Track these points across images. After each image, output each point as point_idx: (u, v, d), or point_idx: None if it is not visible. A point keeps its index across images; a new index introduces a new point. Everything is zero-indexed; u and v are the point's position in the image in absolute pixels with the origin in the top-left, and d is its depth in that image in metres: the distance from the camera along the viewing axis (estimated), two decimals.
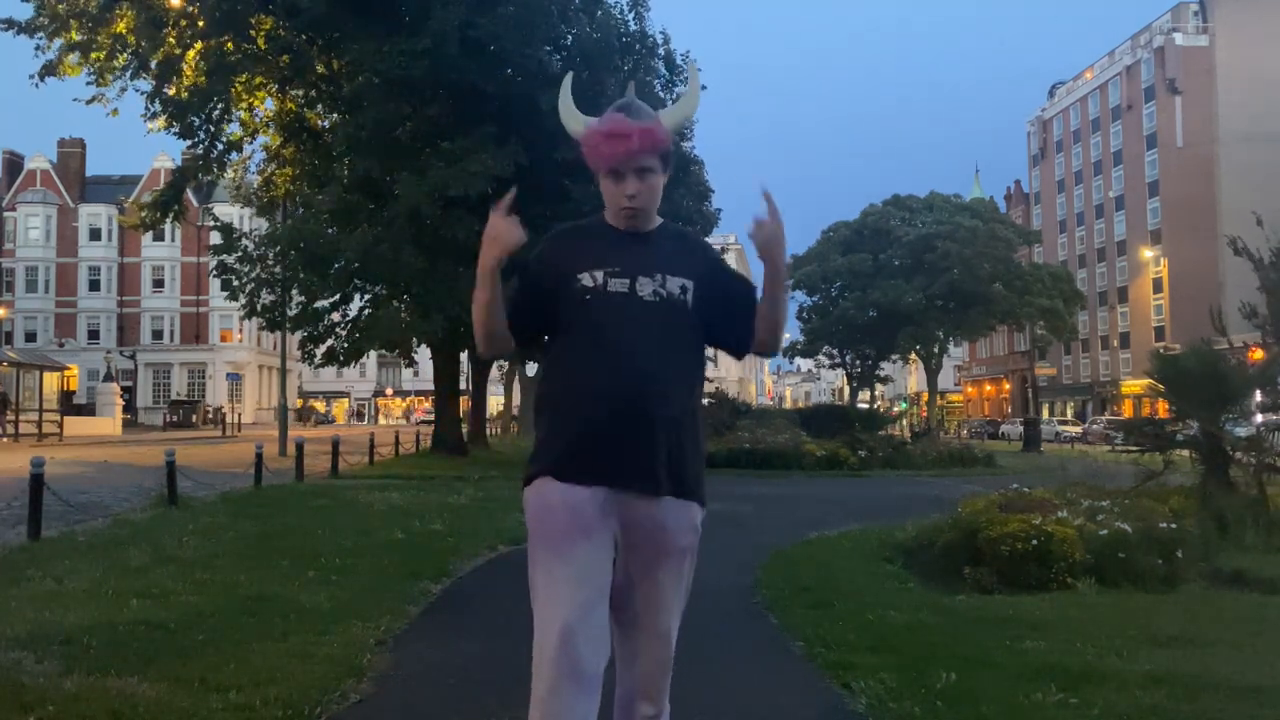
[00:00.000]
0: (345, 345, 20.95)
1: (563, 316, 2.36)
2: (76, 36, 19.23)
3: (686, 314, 2.35)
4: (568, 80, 2.65)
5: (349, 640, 4.61)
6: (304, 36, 19.22)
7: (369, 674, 4.19)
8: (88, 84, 19.81)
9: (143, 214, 21.92)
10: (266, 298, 20.53)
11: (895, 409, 66.55)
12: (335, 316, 21.59)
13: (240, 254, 20.31)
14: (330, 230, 18.47)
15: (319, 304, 21.13)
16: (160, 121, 19.67)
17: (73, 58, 19.39)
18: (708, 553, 7.91)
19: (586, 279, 2.34)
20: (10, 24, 19.17)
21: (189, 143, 20.48)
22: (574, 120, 2.54)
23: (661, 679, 2.46)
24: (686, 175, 22.29)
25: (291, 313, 20.70)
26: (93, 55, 19.36)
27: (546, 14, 17.88)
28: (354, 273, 19.97)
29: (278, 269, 19.99)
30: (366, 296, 21.77)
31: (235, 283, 20.41)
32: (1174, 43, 63.37)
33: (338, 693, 3.86)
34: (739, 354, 2.52)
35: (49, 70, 19.35)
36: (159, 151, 58.54)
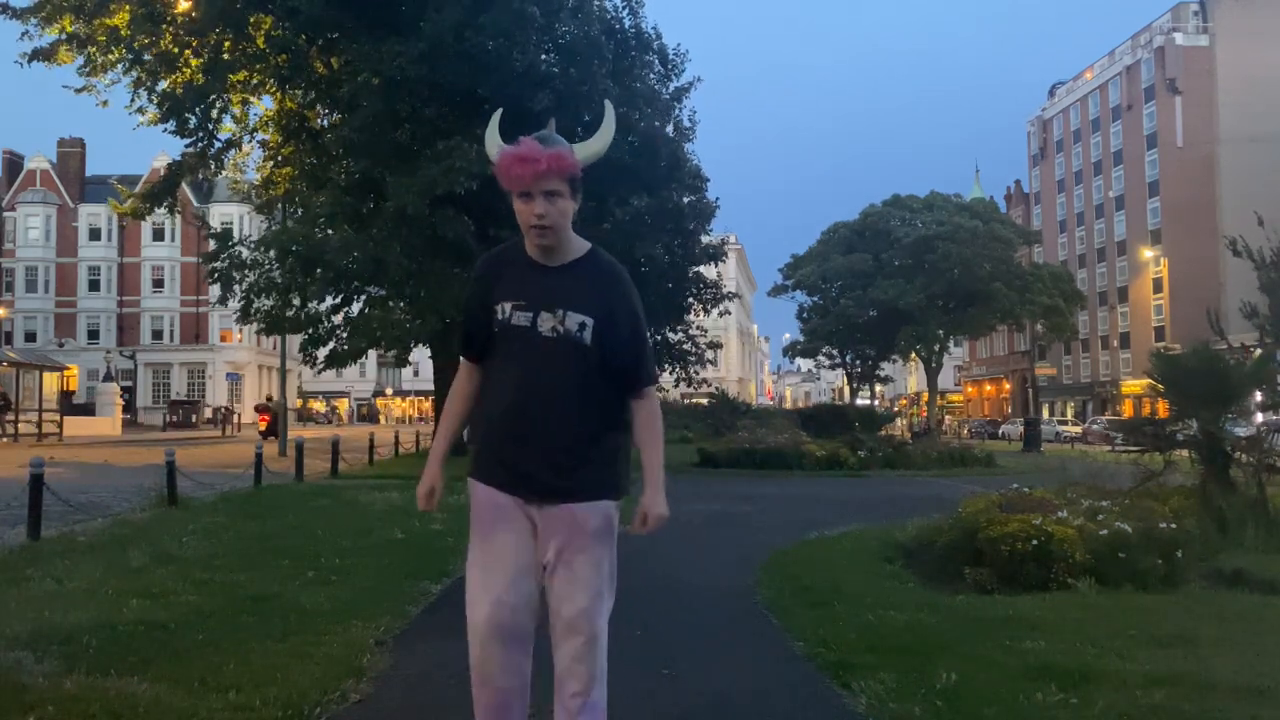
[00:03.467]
0: (342, 345, 20.95)
1: (489, 342, 2.69)
2: (71, 28, 19.19)
3: (583, 349, 2.57)
4: (496, 115, 2.85)
5: (348, 640, 4.61)
6: (303, 36, 19.22)
7: (369, 674, 4.19)
8: (79, 73, 19.75)
9: (135, 203, 21.86)
10: (264, 303, 20.51)
11: (899, 404, 66.75)
12: (336, 319, 21.58)
13: (229, 259, 20.24)
14: (322, 234, 18.46)
15: (318, 307, 21.12)
16: (151, 115, 19.62)
17: (67, 49, 19.32)
18: (708, 552, 7.84)
19: (499, 311, 2.62)
20: (5, 9, 19.13)
21: (188, 141, 20.47)
22: (493, 147, 2.69)
23: (581, 663, 2.61)
24: (680, 170, 22.26)
25: (288, 314, 20.68)
26: (89, 50, 19.31)
27: (532, 18, 17.87)
28: (343, 274, 19.98)
29: (275, 273, 19.97)
30: (363, 298, 21.76)
31: (234, 285, 20.39)
32: (1174, 43, 63.37)
33: (337, 693, 3.86)
34: (627, 389, 2.68)
35: (39, 55, 19.29)
36: (159, 150, 58.66)
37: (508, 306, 2.60)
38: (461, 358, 2.80)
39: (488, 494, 2.66)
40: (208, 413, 52.11)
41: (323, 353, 21.27)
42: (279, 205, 22.24)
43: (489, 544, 2.63)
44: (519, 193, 2.54)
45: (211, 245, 20.81)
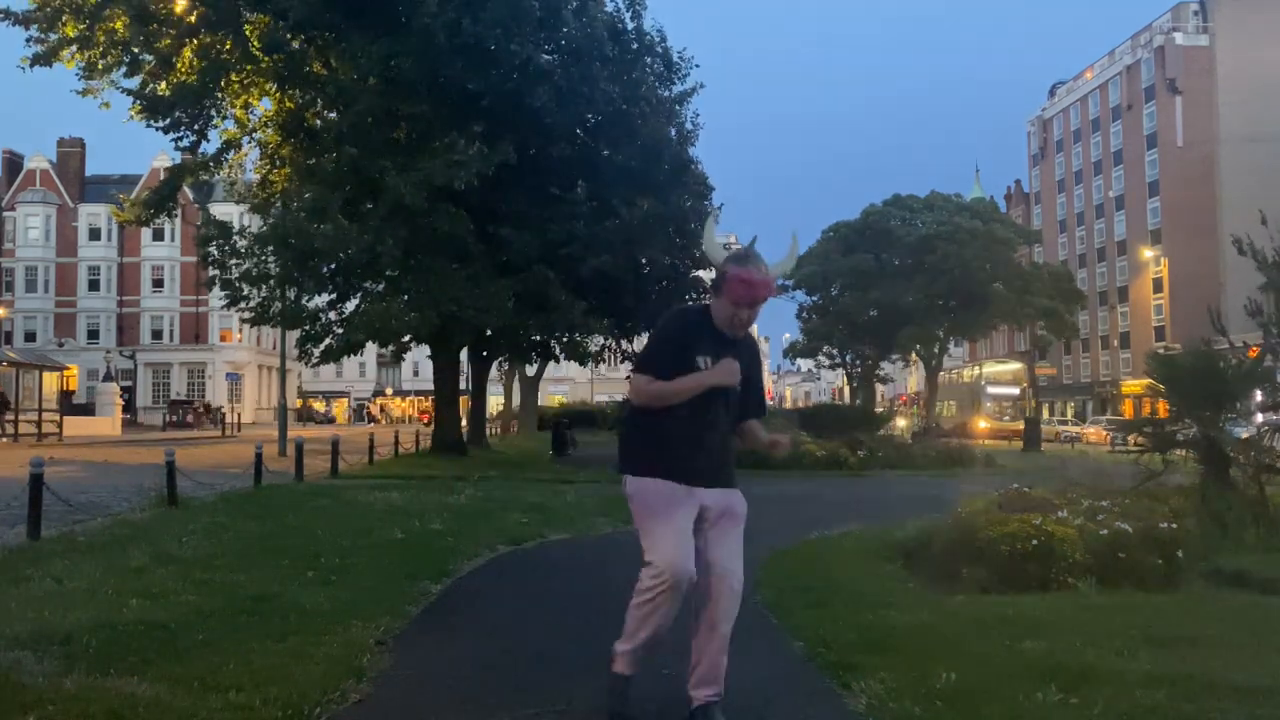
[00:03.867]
0: (338, 340, 20.92)
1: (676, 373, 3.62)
2: (72, 32, 19.21)
3: (739, 391, 3.70)
4: (712, 218, 4.24)
5: (348, 640, 4.62)
6: (301, 36, 19.22)
7: (369, 674, 4.19)
8: (79, 77, 19.79)
9: (137, 210, 21.89)
10: (256, 294, 20.48)
11: (899, 404, 66.76)
12: (331, 315, 21.55)
13: (222, 245, 20.24)
14: (318, 227, 18.48)
15: (313, 302, 21.09)
16: (137, 112, 19.64)
17: (68, 52, 19.35)
18: None
19: (699, 361, 3.61)
20: (7, 14, 19.15)
21: (172, 138, 20.46)
22: (716, 251, 3.89)
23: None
24: (685, 175, 22.27)
25: (278, 309, 20.65)
26: (92, 53, 19.34)
27: (528, 10, 17.84)
28: (339, 267, 19.95)
29: (271, 265, 19.95)
30: (360, 295, 21.73)
31: (218, 272, 20.39)
32: (1174, 42, 63.36)
33: (337, 693, 3.86)
34: (750, 416, 3.89)
35: (40, 60, 19.32)
36: (159, 151, 58.61)
37: (707, 360, 3.59)
38: (649, 375, 3.66)
39: (667, 487, 3.59)
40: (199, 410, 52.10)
41: (318, 350, 21.25)
42: (276, 204, 22.24)
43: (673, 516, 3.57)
44: (733, 302, 3.58)
45: (207, 231, 20.79)
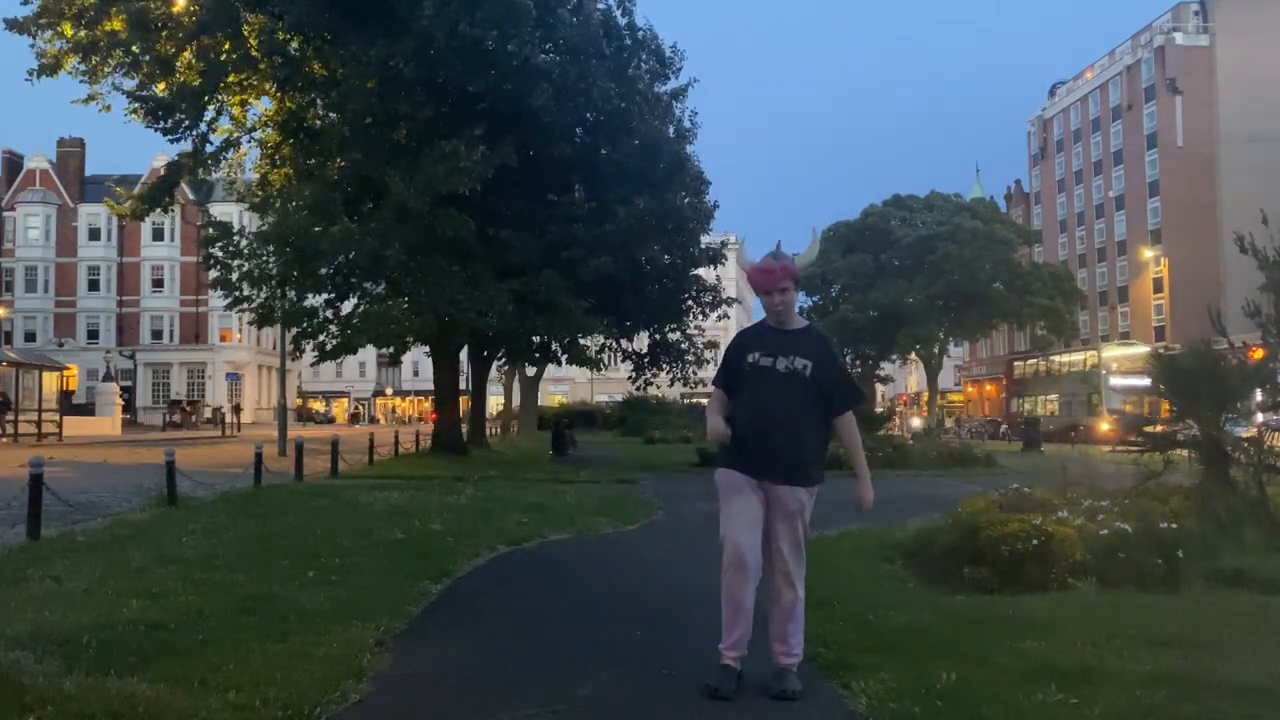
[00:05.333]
0: (335, 340, 20.91)
1: (739, 379, 4.15)
2: (72, 34, 19.21)
3: (805, 381, 4.03)
4: (741, 245, 4.77)
5: (348, 640, 4.61)
6: (300, 37, 19.22)
7: (368, 674, 4.19)
8: (81, 81, 19.80)
9: (133, 204, 21.88)
10: (257, 294, 20.49)
11: (899, 403, 66.41)
12: (328, 314, 21.55)
13: (225, 246, 20.26)
14: (321, 228, 18.51)
15: (312, 302, 21.09)
16: (139, 115, 19.67)
17: (73, 61, 19.38)
18: (708, 552, 7.84)
19: (751, 358, 4.10)
20: (10, 24, 19.17)
21: (173, 139, 20.48)
22: (744, 263, 4.40)
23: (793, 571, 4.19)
24: (683, 172, 22.26)
25: (280, 310, 20.66)
26: (92, 59, 19.35)
27: (525, 10, 17.84)
28: (340, 269, 19.95)
29: (271, 265, 19.96)
30: (360, 295, 21.74)
31: (221, 272, 20.40)
32: (1174, 42, 63.34)
33: (337, 693, 3.86)
34: (834, 414, 4.22)
35: (45, 70, 19.33)
36: (158, 151, 58.60)
37: (758, 355, 4.08)
38: (717, 388, 4.28)
39: (734, 475, 4.09)
40: (207, 412, 52.11)
41: (310, 346, 21.23)
42: (275, 204, 22.24)
43: (735, 502, 4.07)
44: (763, 291, 4.12)
45: (210, 232, 20.81)
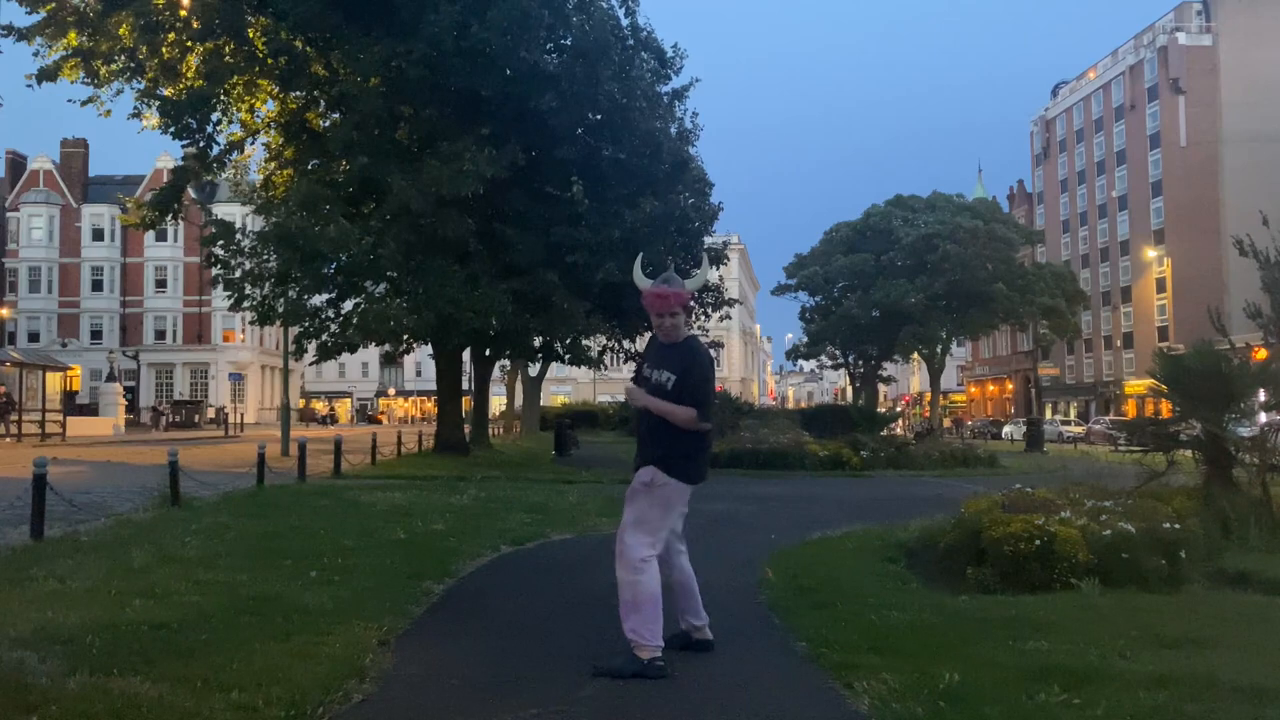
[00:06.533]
0: (335, 339, 20.91)
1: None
2: (76, 42, 19.23)
3: (667, 393, 4.44)
4: (640, 258, 5.14)
5: (351, 640, 4.62)
6: (303, 38, 19.23)
7: (371, 674, 4.19)
8: (84, 83, 19.80)
9: (143, 213, 21.93)
10: (256, 292, 20.50)
11: (901, 404, 66.32)
12: (330, 314, 21.56)
13: (227, 245, 20.27)
14: (321, 227, 18.47)
15: (313, 300, 21.11)
16: (153, 120, 19.68)
17: (73, 65, 19.36)
18: (711, 552, 7.82)
19: (644, 367, 4.65)
20: (10, 30, 19.18)
21: (185, 143, 20.49)
22: (641, 281, 4.69)
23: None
24: (685, 173, 22.24)
25: (281, 309, 20.67)
26: (95, 63, 19.36)
27: (538, 16, 17.85)
28: (340, 267, 19.94)
29: (272, 263, 19.97)
30: (362, 294, 21.75)
31: (223, 271, 20.41)
32: (1177, 42, 63.28)
33: (340, 692, 3.87)
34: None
35: (45, 76, 19.34)
36: (161, 151, 58.69)
37: (645, 366, 4.62)
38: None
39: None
40: (210, 412, 52.15)
41: (312, 346, 21.23)
42: (278, 206, 22.25)
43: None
44: (655, 313, 4.51)
45: (212, 231, 20.82)
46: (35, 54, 19.33)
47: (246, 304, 20.69)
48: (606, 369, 25.43)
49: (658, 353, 4.57)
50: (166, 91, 19.78)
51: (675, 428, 4.39)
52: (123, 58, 19.58)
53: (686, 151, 22.64)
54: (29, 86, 19.33)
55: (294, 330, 21.44)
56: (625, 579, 4.38)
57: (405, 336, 21.18)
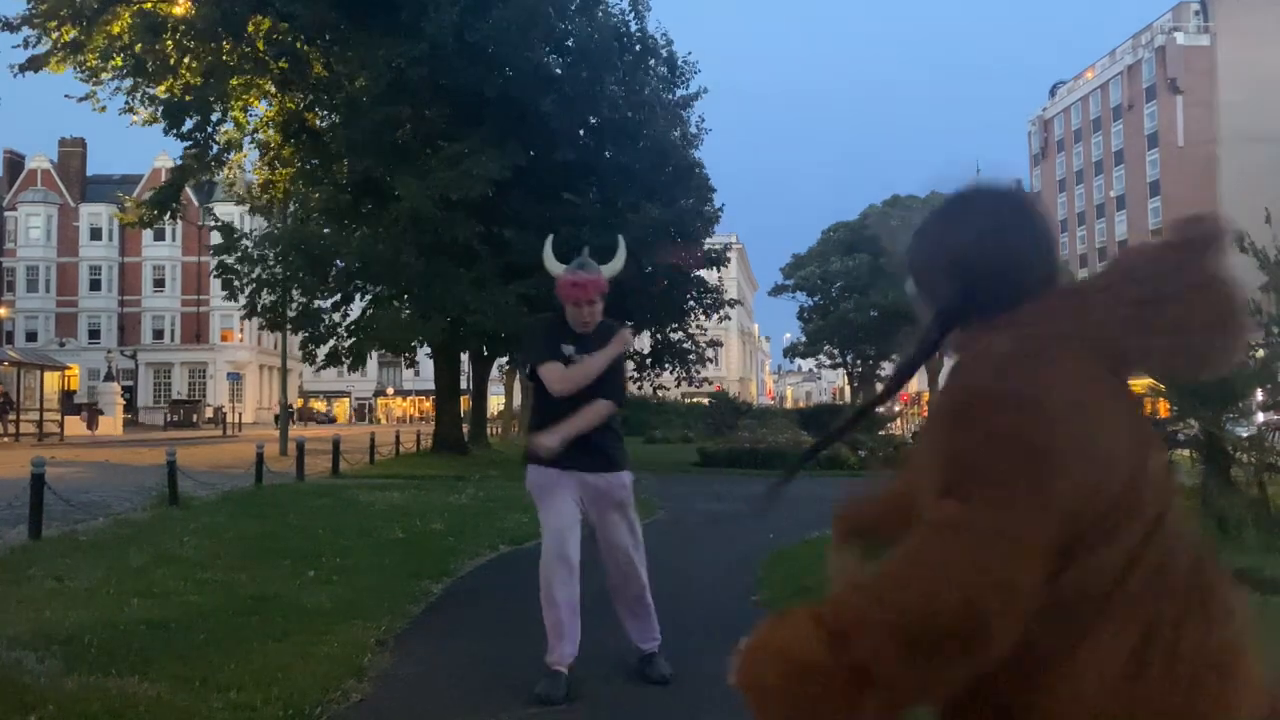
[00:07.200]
0: (347, 346, 20.95)
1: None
2: (69, 37, 19.18)
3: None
4: (549, 241, 4.69)
5: (350, 640, 4.62)
6: (303, 38, 19.21)
7: (370, 673, 4.19)
8: (79, 79, 19.77)
9: (141, 212, 21.92)
10: (267, 298, 20.53)
11: (905, 400, 66.39)
12: (336, 317, 21.58)
13: (240, 254, 20.33)
14: (327, 230, 18.46)
15: (319, 304, 21.11)
16: (145, 115, 19.65)
17: (59, 59, 19.29)
18: (708, 552, 7.82)
19: (568, 353, 4.12)
20: (3, 24, 19.14)
21: (186, 144, 20.49)
22: (554, 266, 4.30)
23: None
24: (690, 178, 22.24)
25: (292, 314, 20.70)
26: (88, 56, 19.31)
27: (543, 16, 17.85)
28: (355, 274, 19.95)
29: (278, 269, 19.99)
30: (368, 298, 21.76)
31: (235, 282, 20.44)
32: (1175, 42, 63.33)
33: (339, 692, 3.87)
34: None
35: (33, 64, 19.29)
36: (160, 151, 58.61)
37: (570, 349, 4.10)
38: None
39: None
40: (209, 412, 52.11)
41: (323, 351, 21.23)
42: (277, 206, 22.24)
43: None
44: (571, 303, 4.09)
45: (216, 238, 20.83)
46: (24, 42, 19.24)
47: (260, 314, 20.69)
48: None
49: (579, 340, 4.14)
50: (159, 90, 19.76)
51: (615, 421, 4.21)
52: (119, 56, 19.55)
53: (691, 156, 22.67)
54: (13, 72, 19.29)
55: (300, 335, 21.48)
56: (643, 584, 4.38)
57: (414, 343, 21.21)
